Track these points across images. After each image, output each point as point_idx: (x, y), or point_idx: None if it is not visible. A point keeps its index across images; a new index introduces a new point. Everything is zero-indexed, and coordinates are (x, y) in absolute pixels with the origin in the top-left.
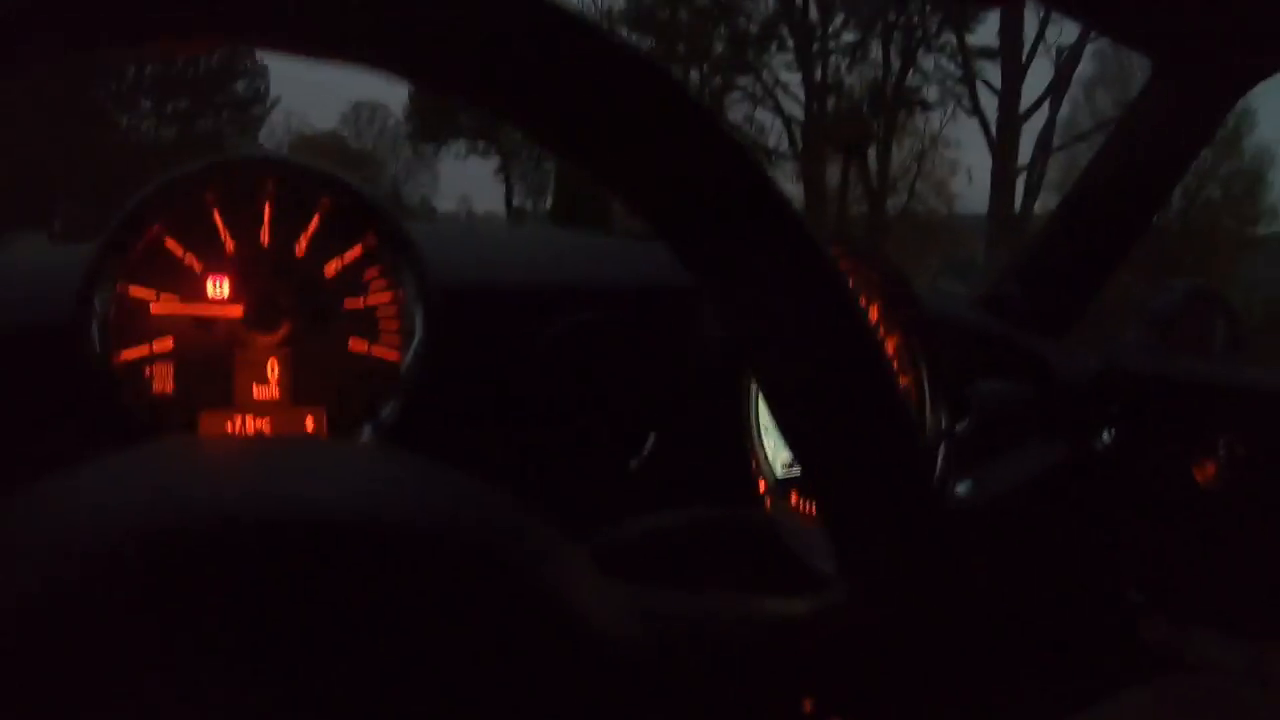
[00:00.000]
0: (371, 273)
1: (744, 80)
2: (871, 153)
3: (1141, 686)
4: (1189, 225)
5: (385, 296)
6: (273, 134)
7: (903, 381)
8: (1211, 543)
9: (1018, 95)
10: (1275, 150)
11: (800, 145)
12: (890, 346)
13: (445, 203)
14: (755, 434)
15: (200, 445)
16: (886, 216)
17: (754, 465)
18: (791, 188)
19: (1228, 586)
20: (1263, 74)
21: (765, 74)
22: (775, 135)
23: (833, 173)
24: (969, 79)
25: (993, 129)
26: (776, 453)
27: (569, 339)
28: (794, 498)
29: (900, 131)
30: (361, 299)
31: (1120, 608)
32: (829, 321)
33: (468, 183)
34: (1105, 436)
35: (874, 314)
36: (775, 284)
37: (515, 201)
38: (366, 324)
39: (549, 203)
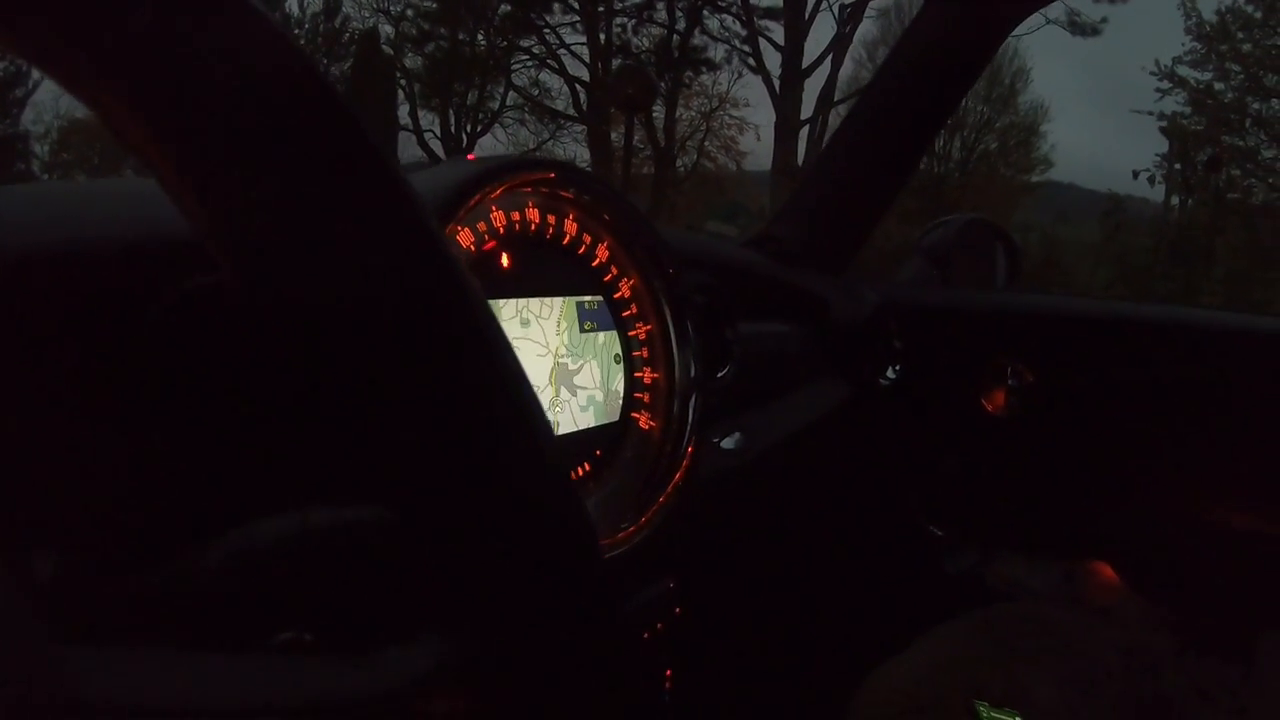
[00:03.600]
0: None
1: (528, 42)
2: (659, 113)
3: (954, 621)
4: (969, 175)
5: None
6: (41, 117)
7: (645, 329)
8: (1007, 470)
9: (800, 52)
10: (1048, 105)
11: (585, 107)
12: (626, 289)
13: None
14: None
15: None
16: (676, 174)
17: None
18: (579, 150)
19: (1027, 511)
20: (1031, 5)
21: (550, 36)
22: (563, 100)
23: (620, 136)
24: (753, 38)
25: (777, 85)
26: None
27: (190, 308)
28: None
29: (688, 92)
30: None
31: (922, 543)
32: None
33: None
34: (890, 373)
35: (604, 253)
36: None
37: None
38: None
39: None
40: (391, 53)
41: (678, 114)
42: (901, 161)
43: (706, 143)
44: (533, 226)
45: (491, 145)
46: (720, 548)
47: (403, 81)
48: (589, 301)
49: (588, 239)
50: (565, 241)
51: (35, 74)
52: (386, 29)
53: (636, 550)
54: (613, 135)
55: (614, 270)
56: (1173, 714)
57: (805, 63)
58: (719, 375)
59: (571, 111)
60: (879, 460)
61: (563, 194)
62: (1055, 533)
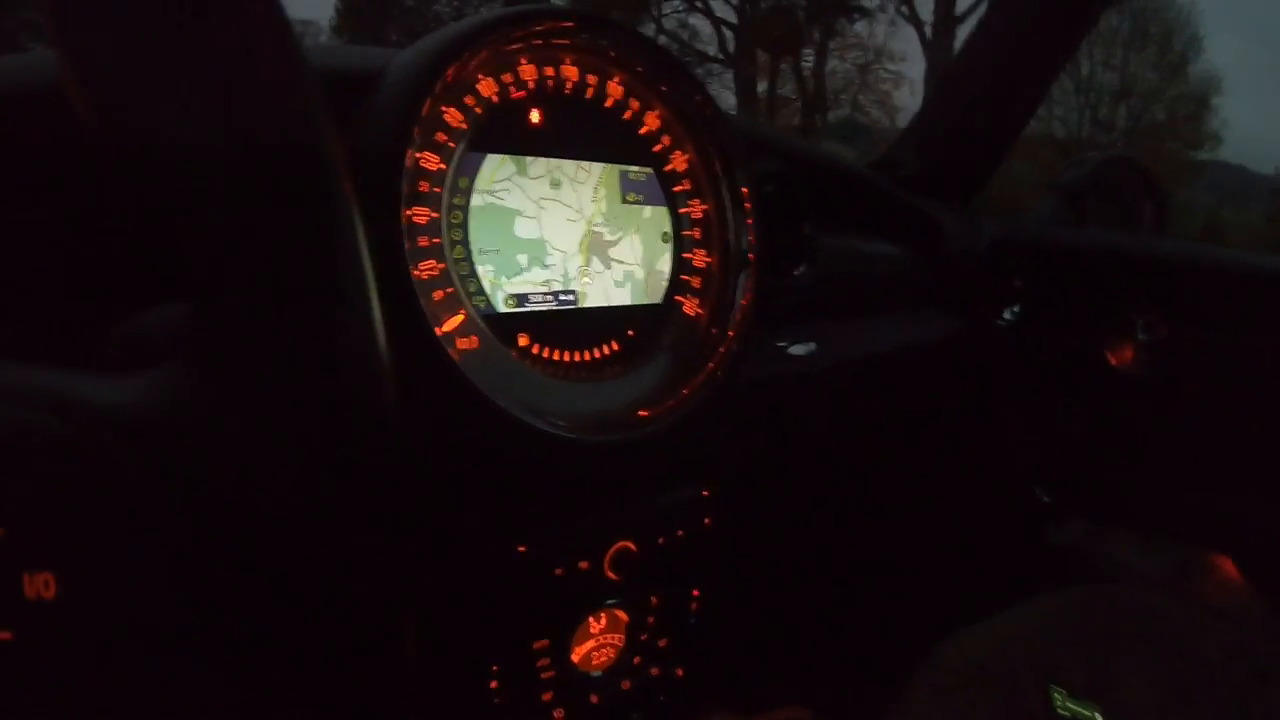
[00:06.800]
0: None
1: None
2: (809, 62)
3: (1045, 596)
4: (1133, 145)
5: None
6: None
7: (700, 208)
8: (1128, 435)
9: None
10: (1220, 77)
11: (733, 52)
12: (680, 163)
13: None
14: (453, 252)
15: None
16: (827, 125)
17: (448, 293)
18: (726, 96)
19: (1148, 486)
20: None
21: None
22: (713, 46)
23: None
24: None
25: (929, 33)
26: (499, 280)
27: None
28: (523, 339)
29: (843, 43)
30: None
31: (1025, 508)
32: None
33: None
34: (1007, 314)
35: (654, 121)
36: None
37: None
38: None
39: None
40: None
41: (832, 66)
42: (1027, 87)
43: (860, 96)
44: (568, 85)
45: None
46: (771, 464)
47: None
48: (635, 172)
49: (635, 104)
50: (608, 104)
51: None
52: None
53: (660, 436)
54: (761, 87)
55: (666, 141)
56: None
57: (959, 9)
58: (794, 274)
59: (719, 55)
60: (984, 407)
61: (610, 54)
62: (1175, 514)
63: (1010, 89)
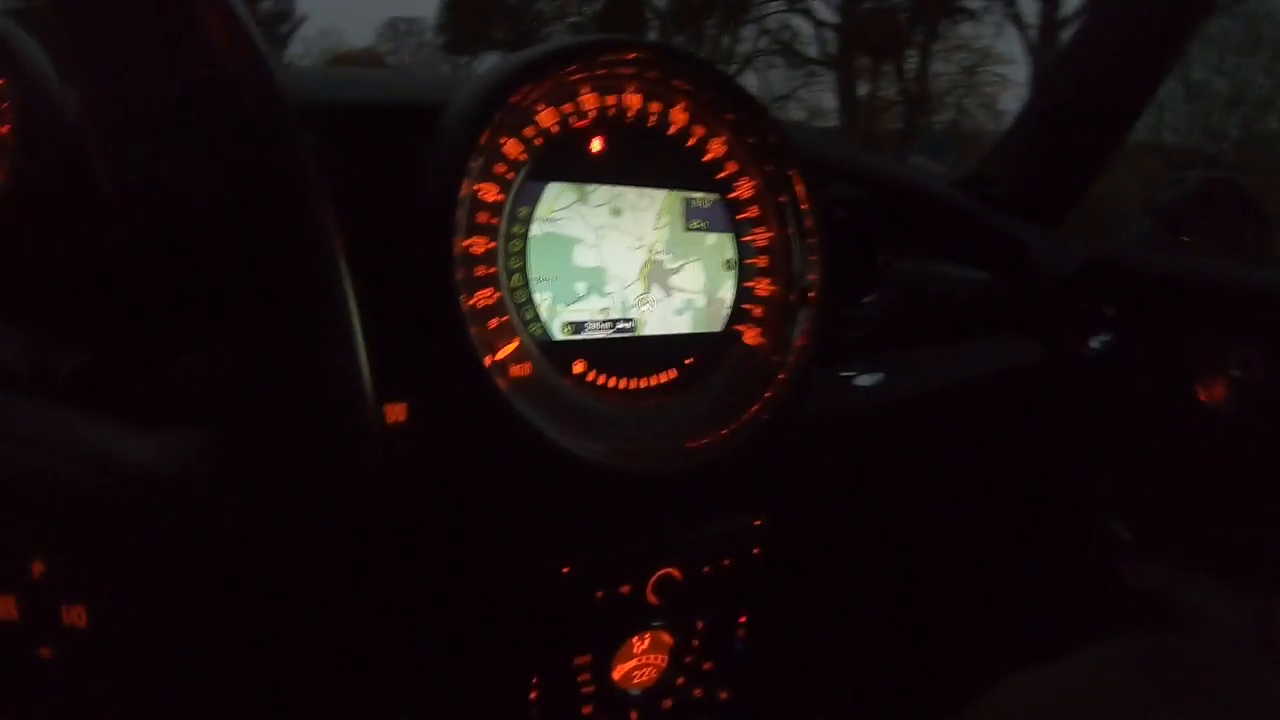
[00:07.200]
0: None
1: None
2: (912, 64)
3: (1109, 643)
4: (1244, 157)
5: None
6: (309, 52)
7: (764, 235)
8: (1216, 476)
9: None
10: None
11: (835, 54)
12: (745, 190)
13: None
14: (510, 280)
15: None
16: (931, 129)
17: (503, 321)
18: (828, 98)
19: (1233, 529)
20: None
21: None
22: (815, 48)
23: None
24: None
25: (1034, 36)
26: (555, 307)
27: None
28: (578, 366)
29: (948, 45)
30: None
31: (1102, 545)
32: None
33: None
34: (1094, 343)
35: (719, 148)
36: None
37: None
38: None
39: None
40: None
41: (936, 68)
42: (1129, 97)
43: (965, 99)
44: (630, 113)
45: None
46: (833, 495)
47: (654, 23)
48: (699, 199)
49: (699, 131)
50: (671, 132)
51: (299, 12)
52: None
53: (705, 469)
54: (864, 89)
55: (731, 168)
56: None
57: (1064, 13)
58: (863, 301)
59: (821, 58)
60: (1065, 438)
61: (674, 83)
62: (1259, 560)
63: (1109, 98)
